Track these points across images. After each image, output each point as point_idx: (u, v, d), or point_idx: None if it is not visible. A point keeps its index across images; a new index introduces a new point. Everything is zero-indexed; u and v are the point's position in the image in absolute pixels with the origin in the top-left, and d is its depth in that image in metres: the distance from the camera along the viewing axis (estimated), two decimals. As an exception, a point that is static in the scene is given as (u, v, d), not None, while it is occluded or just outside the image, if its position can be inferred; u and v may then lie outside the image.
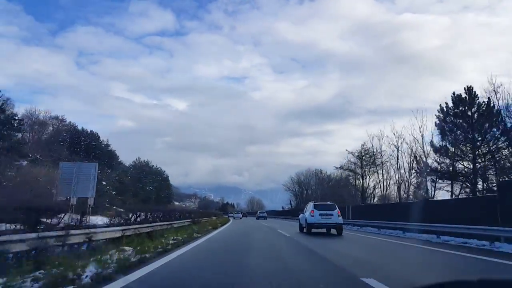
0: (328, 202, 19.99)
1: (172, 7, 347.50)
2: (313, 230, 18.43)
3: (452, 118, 32.84)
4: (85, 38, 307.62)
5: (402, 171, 41.04)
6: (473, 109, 31.61)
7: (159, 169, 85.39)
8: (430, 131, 36.55)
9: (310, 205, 19.24)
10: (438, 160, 33.62)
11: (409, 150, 38.93)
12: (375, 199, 46.63)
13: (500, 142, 29.94)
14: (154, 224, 14.04)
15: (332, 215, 18.34)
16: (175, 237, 12.36)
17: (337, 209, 18.81)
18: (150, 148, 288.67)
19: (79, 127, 58.82)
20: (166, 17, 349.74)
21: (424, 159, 35.74)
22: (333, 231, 19.03)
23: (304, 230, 19.36)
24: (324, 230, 19.32)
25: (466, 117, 31.69)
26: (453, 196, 31.53)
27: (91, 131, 61.40)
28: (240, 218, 63.50)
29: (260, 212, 66.56)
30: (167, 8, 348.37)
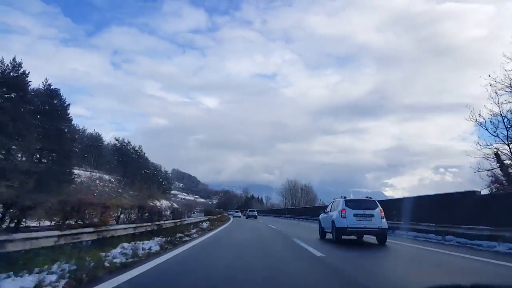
0: (366, 198, 14.12)
1: (205, 6, 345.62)
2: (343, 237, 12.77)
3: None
4: (120, 38, 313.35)
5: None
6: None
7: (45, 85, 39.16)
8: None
9: (338, 202, 13.46)
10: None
11: None
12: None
13: None
14: None
15: (372, 215, 12.51)
16: None
17: (379, 207, 12.97)
18: (182, 146, 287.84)
19: None
20: (198, 16, 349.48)
21: None
22: (368, 238, 13.27)
23: (328, 237, 13.80)
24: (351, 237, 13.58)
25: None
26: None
27: None
28: (240, 217, 59.68)
29: (249, 211, 61.78)
30: (199, 8, 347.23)
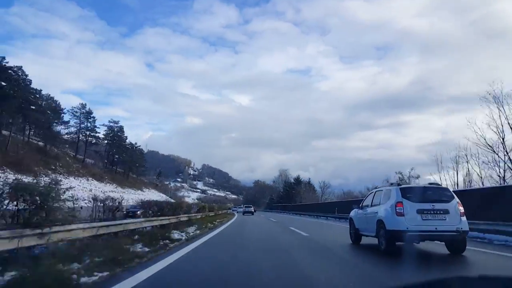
0: (433, 184, 9.48)
1: (235, 2, 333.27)
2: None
3: None
4: (153, 39, 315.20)
5: None
6: None
7: None
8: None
9: (389, 192, 8.87)
10: None
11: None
12: None
13: None
14: None
15: (446, 211, 7.95)
16: None
17: (456, 198, 8.36)
18: (216, 145, 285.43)
19: None
20: (230, 12, 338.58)
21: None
22: (428, 246, 8.61)
23: (365, 242, 9.35)
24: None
25: None
26: None
27: None
28: (243, 214, 47.59)
29: (246, 207, 57.38)
30: (230, 3, 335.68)
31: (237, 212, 57.65)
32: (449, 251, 8.39)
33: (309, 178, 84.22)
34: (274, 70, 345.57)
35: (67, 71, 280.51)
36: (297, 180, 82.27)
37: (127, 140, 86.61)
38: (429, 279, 1.35)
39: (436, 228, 7.78)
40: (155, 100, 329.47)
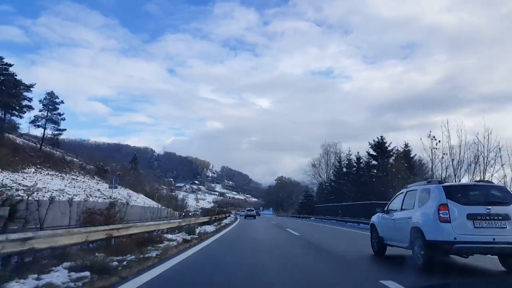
0: (481, 182, 7.62)
1: (255, 5, 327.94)
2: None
3: None
4: (174, 45, 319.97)
5: None
6: None
7: None
8: None
9: (428, 191, 7.03)
10: None
11: None
12: None
13: None
14: None
15: (507, 217, 6.10)
16: None
17: (516, 198, 6.51)
18: (237, 149, 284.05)
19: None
20: (249, 15, 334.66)
21: None
22: (483, 262, 6.77)
23: (391, 252, 7.64)
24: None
25: None
26: None
27: None
28: (245, 218, 45.09)
29: (248, 210, 56.85)
30: (250, 7, 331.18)
31: (240, 215, 54.98)
32: (505, 268, 6.58)
33: (405, 144, 39.80)
34: (295, 71, 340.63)
35: (92, 79, 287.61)
36: (379, 146, 40.03)
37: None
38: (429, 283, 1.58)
39: (494, 239, 5.94)
40: (176, 105, 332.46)
